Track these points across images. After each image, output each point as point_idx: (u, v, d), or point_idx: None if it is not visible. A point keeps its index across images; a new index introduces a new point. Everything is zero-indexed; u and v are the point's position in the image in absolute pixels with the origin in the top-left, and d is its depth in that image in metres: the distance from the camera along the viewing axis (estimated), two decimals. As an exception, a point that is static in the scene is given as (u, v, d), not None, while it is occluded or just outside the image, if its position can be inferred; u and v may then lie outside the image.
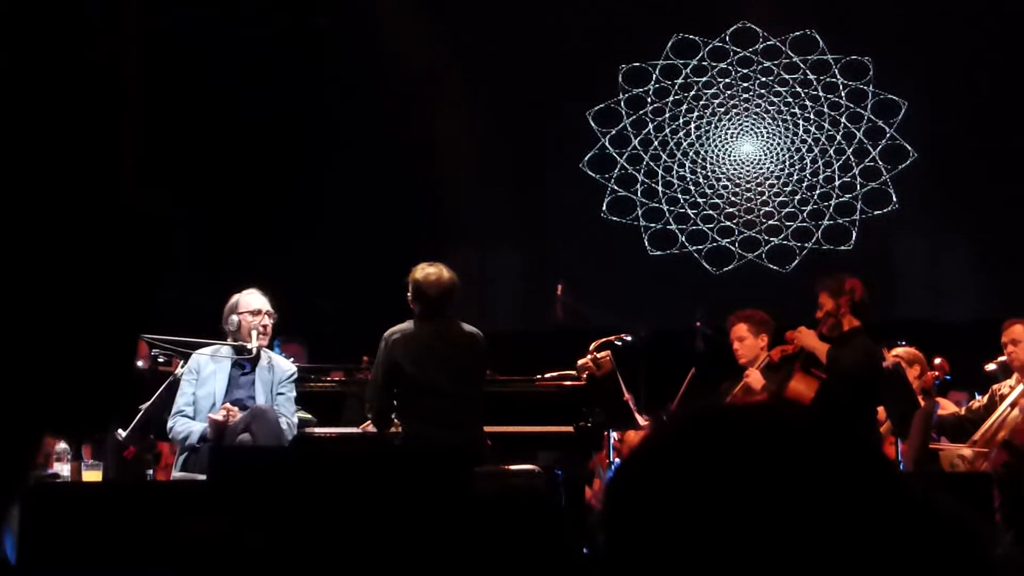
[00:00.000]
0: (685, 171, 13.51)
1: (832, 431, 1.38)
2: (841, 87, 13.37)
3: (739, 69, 13.50)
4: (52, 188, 1.61)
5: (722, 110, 13.53)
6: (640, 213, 13.48)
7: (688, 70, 13.56)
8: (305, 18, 13.31)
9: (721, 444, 1.36)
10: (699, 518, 1.32)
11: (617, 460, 8.84)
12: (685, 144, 13.53)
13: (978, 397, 9.01)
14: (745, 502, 1.31)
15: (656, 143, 13.57)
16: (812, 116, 13.41)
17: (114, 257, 1.66)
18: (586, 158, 13.56)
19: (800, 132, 13.41)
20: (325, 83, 13.28)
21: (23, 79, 1.61)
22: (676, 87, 13.58)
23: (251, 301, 8.21)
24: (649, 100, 13.60)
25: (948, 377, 9.67)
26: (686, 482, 1.34)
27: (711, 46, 13.53)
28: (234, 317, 8.18)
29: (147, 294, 1.71)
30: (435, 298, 7.65)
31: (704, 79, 13.56)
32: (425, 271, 7.70)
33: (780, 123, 13.45)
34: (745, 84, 13.49)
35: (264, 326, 8.16)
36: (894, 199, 13.20)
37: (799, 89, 13.44)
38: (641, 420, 8.69)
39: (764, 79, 13.48)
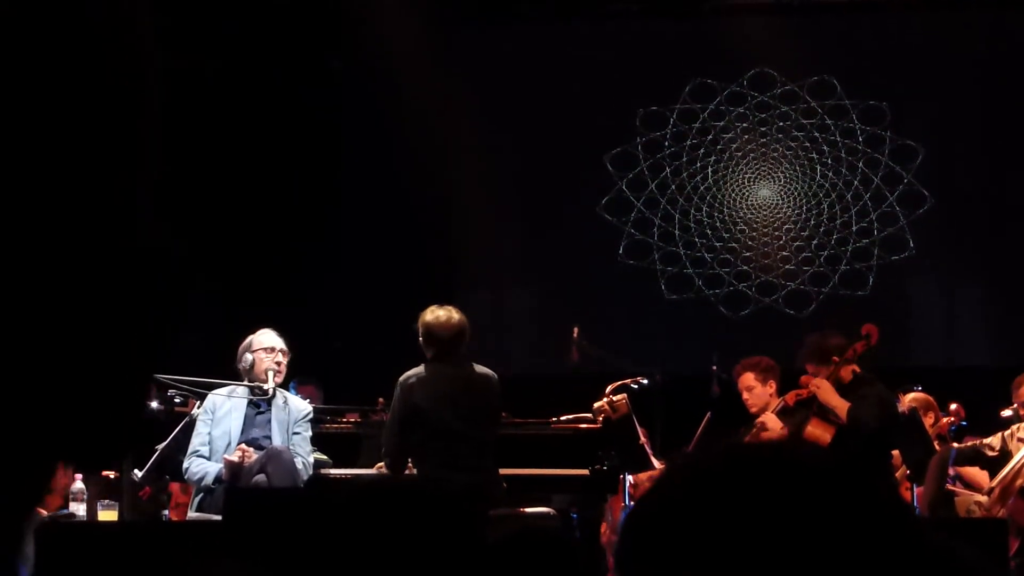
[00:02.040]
0: (702, 215, 13.50)
1: (849, 472, 1.38)
2: (858, 132, 13.37)
3: (757, 114, 13.50)
4: (63, 213, 1.61)
5: (739, 154, 13.53)
6: (657, 257, 13.47)
7: (706, 114, 13.56)
8: (319, 61, 13.36)
9: (736, 483, 1.35)
10: (714, 558, 1.32)
11: (632, 503, 8.82)
12: (702, 188, 13.53)
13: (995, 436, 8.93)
14: (760, 542, 1.31)
15: (673, 187, 13.57)
16: (829, 161, 13.41)
17: (124, 288, 1.66)
18: (603, 201, 13.57)
19: (817, 177, 13.41)
20: (339, 125, 13.30)
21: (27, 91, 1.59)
22: (694, 131, 13.59)
23: (264, 339, 8.23)
24: (666, 144, 13.61)
25: (964, 423, 9.64)
26: (701, 521, 1.34)
27: (729, 91, 13.54)
28: (248, 355, 8.19)
29: (158, 322, 1.70)
30: (446, 340, 7.62)
31: (722, 123, 13.56)
32: (435, 314, 7.68)
33: (797, 168, 13.45)
34: (763, 128, 13.49)
35: (278, 363, 8.16)
36: (911, 244, 13.18)
37: (816, 134, 13.44)
38: (657, 464, 8.67)
39: (782, 124, 13.48)
